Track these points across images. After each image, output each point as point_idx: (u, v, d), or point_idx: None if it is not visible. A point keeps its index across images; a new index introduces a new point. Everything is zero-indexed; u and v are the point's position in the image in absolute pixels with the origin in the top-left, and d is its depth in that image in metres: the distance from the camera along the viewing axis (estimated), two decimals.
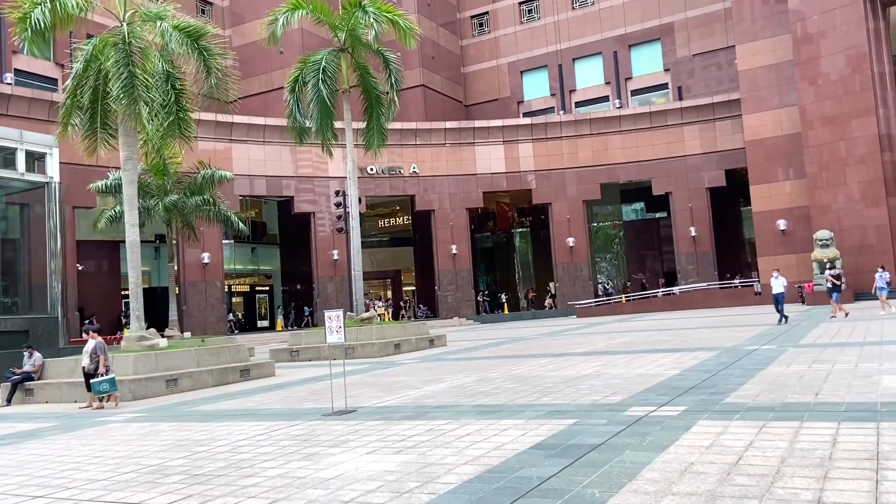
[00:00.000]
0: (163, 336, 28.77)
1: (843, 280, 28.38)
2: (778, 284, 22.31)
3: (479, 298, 49.46)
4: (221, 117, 42.94)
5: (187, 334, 30.51)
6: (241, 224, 28.95)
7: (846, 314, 22.65)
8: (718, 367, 11.70)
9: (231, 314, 43.96)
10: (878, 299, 24.81)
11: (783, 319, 21.56)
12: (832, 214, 37.00)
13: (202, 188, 28.32)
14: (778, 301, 21.98)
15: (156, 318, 39.27)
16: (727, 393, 8.83)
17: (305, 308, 45.07)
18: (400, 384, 13.30)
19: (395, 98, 24.95)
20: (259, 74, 53.84)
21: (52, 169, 24.72)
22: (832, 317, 22.68)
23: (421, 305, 48.10)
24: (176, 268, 40.42)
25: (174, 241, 38.25)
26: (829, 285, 24.00)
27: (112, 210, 27.97)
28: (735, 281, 42.13)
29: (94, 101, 17.34)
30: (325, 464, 6.68)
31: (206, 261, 39.71)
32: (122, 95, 15.99)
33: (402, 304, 50.38)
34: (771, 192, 40.28)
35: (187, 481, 6.44)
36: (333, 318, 10.28)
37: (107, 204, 31.29)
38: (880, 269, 26.26)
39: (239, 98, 54.68)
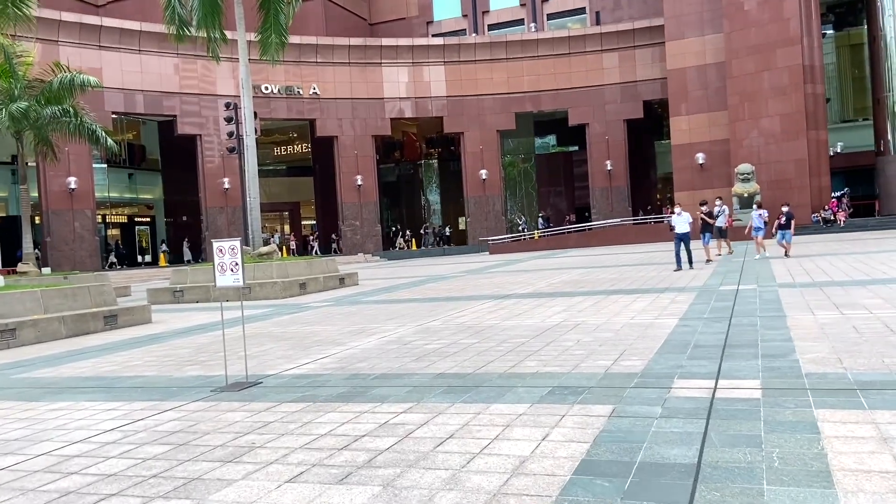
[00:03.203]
0: (14, 273, 24.19)
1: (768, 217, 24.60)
2: (681, 222, 18.01)
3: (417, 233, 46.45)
4: (87, 18, 36.92)
5: (46, 270, 25.92)
6: (109, 140, 24.21)
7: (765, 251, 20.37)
8: (721, 315, 9.42)
9: (114, 249, 38.81)
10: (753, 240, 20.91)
11: (686, 265, 17.62)
12: (752, 148, 36.25)
13: (60, 96, 23.32)
14: (682, 241, 17.80)
15: (13, 252, 33.94)
16: (785, 356, 6.44)
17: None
18: (316, 337, 10.29)
19: None
20: None
21: None
22: (756, 257, 19.81)
23: (336, 239, 44.07)
24: (36, 194, 34.92)
25: (29, 162, 32.83)
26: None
27: None
28: (658, 216, 40.97)
29: None
30: None
31: (72, 186, 34.41)
32: None
33: (309, 238, 46.50)
34: (690, 125, 39.12)
35: None
36: (227, 252, 7.07)
37: None
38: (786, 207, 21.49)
39: (109, 1, 47.94)
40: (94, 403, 6.58)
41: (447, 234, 48.20)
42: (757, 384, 5.41)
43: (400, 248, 45.90)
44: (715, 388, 5.41)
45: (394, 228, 48.44)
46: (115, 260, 39.00)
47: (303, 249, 45.32)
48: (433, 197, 51.74)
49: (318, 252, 42.42)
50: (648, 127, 45.63)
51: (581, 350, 7.48)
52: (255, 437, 5.01)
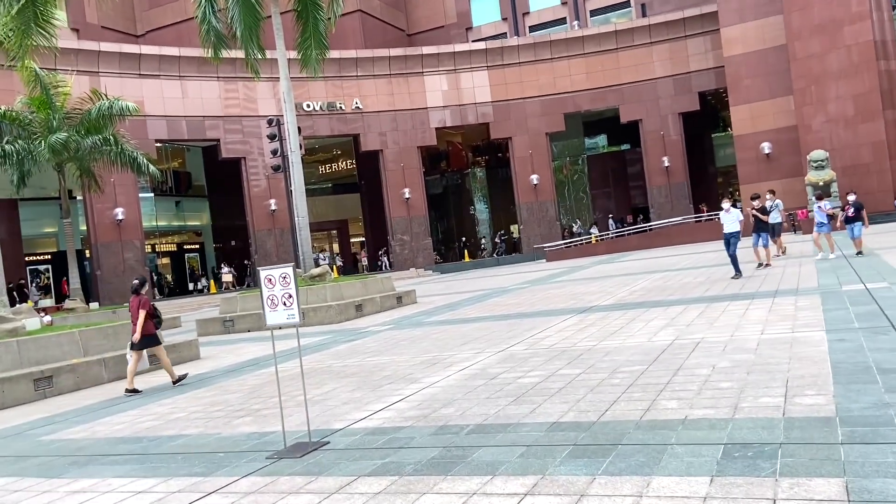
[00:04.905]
0: (61, 309, 23.57)
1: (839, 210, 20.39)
2: (729, 220, 15.33)
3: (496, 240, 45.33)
4: (127, 48, 36.75)
5: (94, 305, 25.28)
6: (151, 167, 23.47)
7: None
8: (877, 324, 7.69)
9: (155, 277, 38.25)
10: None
11: (738, 273, 14.73)
12: (822, 133, 33.80)
13: (100, 125, 22.73)
14: (729, 243, 15.03)
15: (60, 288, 33.73)
16: None
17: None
18: (384, 371, 8.89)
19: None
20: (171, 2, 47.09)
21: None
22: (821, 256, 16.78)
23: (385, 255, 42.93)
24: (84, 227, 34.69)
25: (78, 196, 32.58)
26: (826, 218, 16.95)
27: None
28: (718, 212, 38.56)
29: None
30: None
31: (120, 217, 33.98)
32: None
33: (357, 255, 45.43)
34: (753, 113, 36.79)
35: None
36: (277, 282, 5.72)
37: None
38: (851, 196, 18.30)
39: (148, 31, 48.11)
40: (123, 482, 5.26)
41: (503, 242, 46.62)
42: None
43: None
44: None
45: (463, 239, 47.12)
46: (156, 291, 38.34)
47: (352, 267, 44.34)
48: (482, 206, 50.21)
49: (367, 269, 41.36)
50: (703, 119, 43.35)
51: (727, 381, 5.88)
52: None
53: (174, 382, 10.10)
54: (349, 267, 44.14)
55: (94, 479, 5.41)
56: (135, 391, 9.75)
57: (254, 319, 17.92)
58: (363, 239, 48.63)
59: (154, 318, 9.94)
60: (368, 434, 5.77)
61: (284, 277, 5.75)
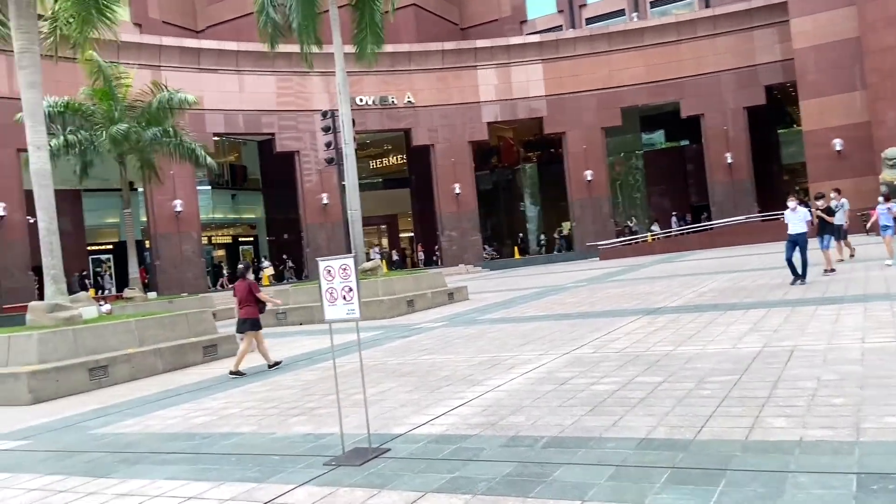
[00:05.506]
0: (120, 298, 23.87)
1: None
2: (795, 220, 13.98)
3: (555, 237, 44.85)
4: (187, 42, 37.22)
5: (152, 294, 25.55)
6: (209, 159, 23.56)
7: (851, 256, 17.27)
8: None
9: (215, 268, 38.60)
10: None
11: (799, 279, 13.63)
12: None
13: (160, 117, 22.88)
14: (796, 245, 13.77)
15: (126, 277, 34.32)
16: None
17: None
18: (441, 371, 8.42)
19: None
20: None
21: None
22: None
23: (434, 250, 42.66)
24: (145, 218, 35.23)
25: (139, 188, 33.07)
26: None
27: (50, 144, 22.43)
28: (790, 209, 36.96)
29: None
30: None
31: (178, 209, 34.41)
32: None
33: (400, 250, 45.25)
34: (823, 108, 35.09)
35: None
36: (337, 273, 5.29)
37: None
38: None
39: (207, 26, 48.73)
40: (173, 485, 4.91)
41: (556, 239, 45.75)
42: None
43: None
44: None
45: (520, 235, 46.62)
46: (217, 284, 38.74)
47: (401, 263, 44.13)
48: (532, 202, 49.36)
49: (423, 263, 41.06)
50: (768, 114, 41.65)
51: (838, 396, 5.21)
52: None
53: (269, 366, 10.29)
54: (399, 262, 43.91)
55: (143, 481, 5.08)
56: (239, 373, 9.90)
57: (306, 312, 17.72)
58: (412, 234, 48.41)
59: (258, 302, 10.21)
60: (432, 442, 5.29)
61: (344, 269, 5.32)
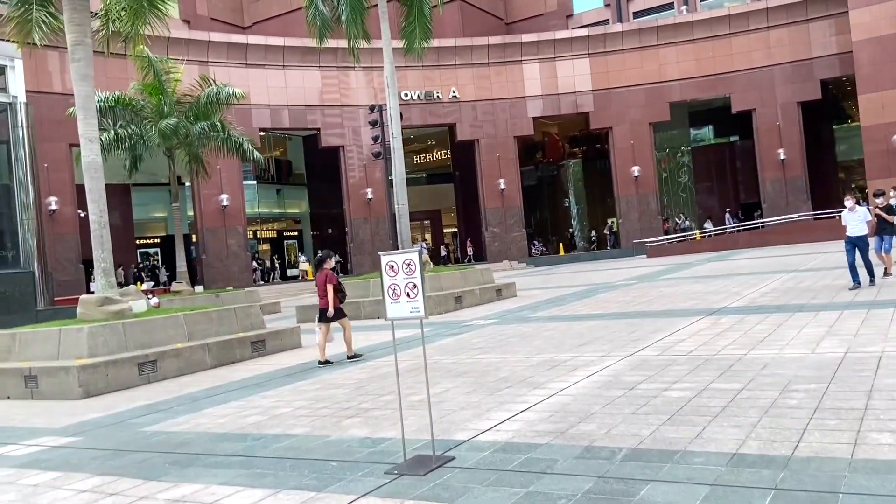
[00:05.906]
0: (168, 291, 24.11)
1: None
2: (854, 220, 12.88)
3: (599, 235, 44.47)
4: (234, 38, 37.55)
5: (199, 288, 25.77)
6: (256, 153, 23.62)
7: None
8: None
9: (255, 262, 38.85)
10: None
11: (864, 279, 12.68)
12: None
13: (208, 111, 23.04)
14: (856, 247, 12.71)
15: (175, 270, 34.79)
16: None
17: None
18: (499, 372, 8.09)
19: None
20: None
21: (15, 86, 19.51)
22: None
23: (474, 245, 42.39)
24: (191, 213, 35.70)
25: (186, 182, 33.46)
26: None
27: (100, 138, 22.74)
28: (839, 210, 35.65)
29: None
30: None
31: (224, 203, 34.78)
32: None
33: (445, 246, 45.05)
34: (884, 102, 33.72)
35: None
36: (401, 269, 5.01)
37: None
38: None
39: (254, 22, 49.13)
40: (227, 491, 4.69)
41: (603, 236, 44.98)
42: None
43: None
44: None
45: (570, 231, 46.27)
46: (259, 278, 38.95)
47: (443, 258, 43.90)
48: (577, 198, 48.59)
49: (472, 259, 40.78)
50: (823, 109, 40.21)
51: None
52: None
53: (349, 357, 10.34)
54: (441, 258, 43.69)
55: (196, 486, 4.87)
56: (327, 362, 10.08)
57: (353, 308, 17.53)
58: (455, 230, 48.12)
59: (339, 292, 10.36)
60: (499, 451, 4.97)
61: (408, 264, 5.03)
